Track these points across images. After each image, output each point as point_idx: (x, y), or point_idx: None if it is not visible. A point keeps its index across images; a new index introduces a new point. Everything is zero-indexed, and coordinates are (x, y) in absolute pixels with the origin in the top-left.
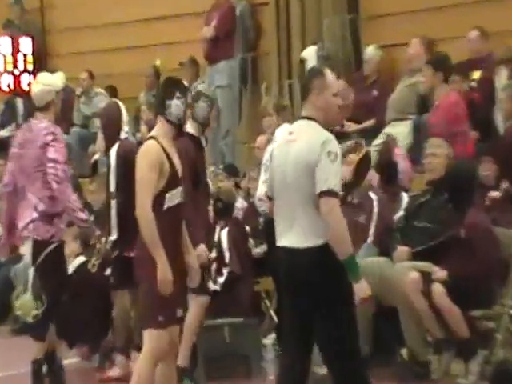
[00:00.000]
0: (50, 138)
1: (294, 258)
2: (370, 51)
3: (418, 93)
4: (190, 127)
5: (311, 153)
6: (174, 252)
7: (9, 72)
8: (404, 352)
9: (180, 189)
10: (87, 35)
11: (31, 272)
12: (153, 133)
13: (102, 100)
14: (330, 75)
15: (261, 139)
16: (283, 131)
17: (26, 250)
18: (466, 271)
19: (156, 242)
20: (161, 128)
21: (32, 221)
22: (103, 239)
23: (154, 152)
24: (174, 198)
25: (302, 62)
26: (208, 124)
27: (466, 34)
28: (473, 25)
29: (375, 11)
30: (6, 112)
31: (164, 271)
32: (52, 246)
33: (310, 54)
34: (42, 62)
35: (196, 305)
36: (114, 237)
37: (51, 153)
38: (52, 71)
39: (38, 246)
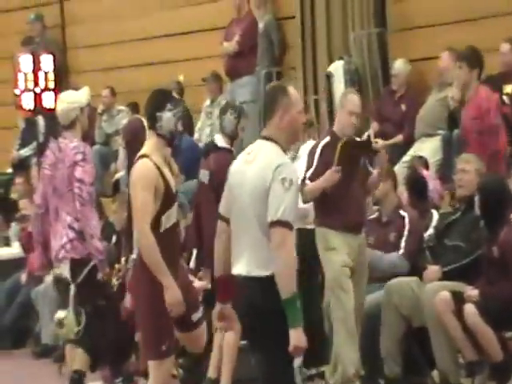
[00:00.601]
0: (79, 157)
1: (242, 287)
2: (399, 65)
3: (449, 107)
4: (221, 141)
5: (264, 177)
6: (175, 272)
7: (30, 90)
8: (435, 374)
9: (175, 206)
10: (109, 52)
11: (72, 290)
12: (144, 150)
13: (123, 117)
14: (293, 92)
15: (292, 153)
16: (306, 148)
17: (63, 270)
18: (499, 291)
19: (162, 268)
20: (152, 144)
21: (70, 240)
22: (123, 259)
23: (147, 172)
24: (170, 218)
25: (329, 76)
26: (236, 136)
27: (498, 47)
28: (505, 37)
29: (403, 25)
30: (27, 131)
31: (174, 294)
32: (91, 264)
33: (337, 69)
34: (63, 79)
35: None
36: (135, 256)
37: (78, 173)
38: (73, 88)
39: (77, 264)
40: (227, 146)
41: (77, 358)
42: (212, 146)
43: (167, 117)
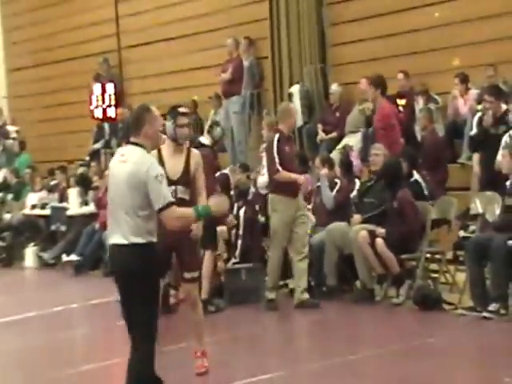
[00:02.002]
0: None
1: (119, 253)
2: (334, 87)
3: (366, 114)
4: (204, 140)
5: (138, 175)
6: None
7: (99, 106)
8: (358, 283)
9: (171, 188)
10: (150, 81)
11: None
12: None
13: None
14: (155, 110)
15: (262, 147)
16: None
17: None
18: (398, 230)
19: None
20: (165, 142)
21: None
22: None
23: None
24: None
25: (290, 95)
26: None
27: (395, 76)
28: (399, 70)
29: (337, 61)
30: (98, 132)
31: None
32: None
33: (295, 90)
34: (120, 99)
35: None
36: None
37: None
38: (127, 106)
39: None
40: (208, 143)
41: None
42: (198, 143)
43: (168, 125)
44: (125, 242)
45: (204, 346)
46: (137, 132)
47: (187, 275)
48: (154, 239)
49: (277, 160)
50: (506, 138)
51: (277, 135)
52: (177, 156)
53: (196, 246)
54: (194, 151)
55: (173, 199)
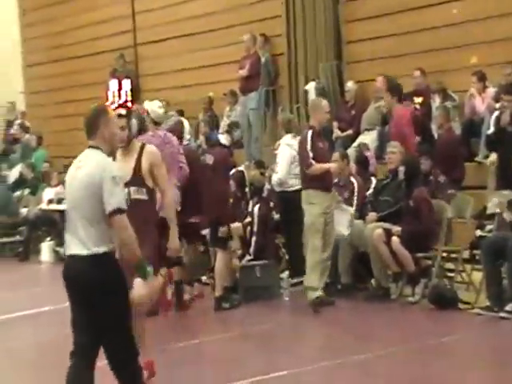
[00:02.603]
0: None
1: (75, 264)
2: (350, 85)
3: (381, 112)
4: (223, 139)
5: (94, 177)
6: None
7: (115, 102)
8: (373, 281)
9: (125, 191)
10: (166, 77)
11: None
12: None
13: (174, 119)
14: (111, 112)
15: (278, 143)
16: (284, 140)
17: None
18: (414, 228)
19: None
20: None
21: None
22: None
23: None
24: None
25: (306, 92)
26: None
27: (412, 73)
28: (416, 67)
29: (352, 58)
30: None
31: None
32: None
33: (311, 87)
34: (136, 95)
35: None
36: (177, 209)
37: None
38: (142, 101)
39: None
40: (227, 143)
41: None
42: (217, 142)
43: (133, 122)
44: (85, 252)
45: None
46: (93, 135)
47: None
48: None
49: (310, 155)
50: None
51: (310, 131)
52: (127, 157)
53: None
54: (148, 148)
55: (124, 206)
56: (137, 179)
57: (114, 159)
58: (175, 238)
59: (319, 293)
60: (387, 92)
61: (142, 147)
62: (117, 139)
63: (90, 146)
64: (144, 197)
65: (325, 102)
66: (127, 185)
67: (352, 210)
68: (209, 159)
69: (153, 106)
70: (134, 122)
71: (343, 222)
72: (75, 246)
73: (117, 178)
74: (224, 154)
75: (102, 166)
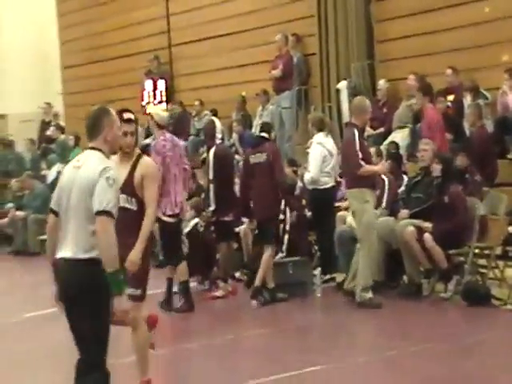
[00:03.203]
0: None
1: (71, 266)
2: (382, 83)
3: (413, 110)
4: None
5: (92, 177)
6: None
7: (151, 102)
8: (405, 278)
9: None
10: (199, 78)
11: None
12: None
13: (208, 119)
14: (113, 113)
15: (310, 142)
16: (317, 137)
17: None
18: (447, 225)
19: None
20: None
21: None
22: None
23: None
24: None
25: (338, 91)
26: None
27: (444, 71)
28: (448, 65)
29: (384, 57)
30: (148, 128)
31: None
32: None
33: (343, 86)
34: (170, 95)
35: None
36: (212, 208)
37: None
38: (177, 102)
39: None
40: (267, 137)
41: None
42: (260, 138)
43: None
44: (78, 256)
45: (148, 375)
46: (95, 136)
47: (128, 291)
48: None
49: (360, 155)
50: None
51: (356, 130)
52: (124, 164)
53: (145, 262)
54: (144, 161)
55: (113, 209)
56: (128, 188)
57: None
58: (138, 252)
59: (371, 293)
60: (419, 90)
61: (138, 158)
62: (120, 142)
63: (91, 147)
64: (133, 207)
65: (368, 102)
66: (120, 191)
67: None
68: (258, 157)
69: (156, 110)
70: (139, 128)
71: None
72: (67, 249)
73: (110, 180)
74: (275, 148)
75: (100, 168)
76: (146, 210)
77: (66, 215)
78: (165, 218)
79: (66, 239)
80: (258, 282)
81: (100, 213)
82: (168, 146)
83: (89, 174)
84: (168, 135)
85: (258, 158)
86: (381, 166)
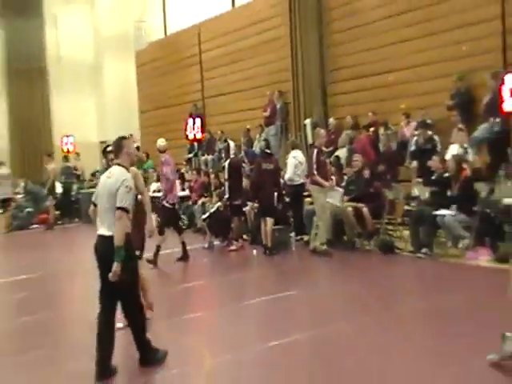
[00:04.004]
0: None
1: (103, 240)
2: (331, 120)
3: (349, 137)
4: (269, 151)
5: (115, 185)
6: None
7: (192, 132)
8: (345, 237)
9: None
10: (221, 117)
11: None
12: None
13: (226, 142)
14: (129, 139)
15: (287, 156)
16: (293, 154)
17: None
18: (372, 205)
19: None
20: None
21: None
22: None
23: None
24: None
25: (304, 125)
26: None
27: (368, 113)
28: (370, 110)
29: (333, 104)
30: (190, 147)
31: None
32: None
33: (308, 122)
34: (204, 128)
35: (269, 221)
36: (226, 196)
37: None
38: (207, 131)
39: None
40: (270, 152)
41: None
42: (267, 153)
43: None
44: (108, 233)
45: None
46: (118, 155)
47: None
48: (128, 230)
49: (315, 166)
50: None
51: (316, 150)
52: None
53: (142, 232)
54: (133, 169)
55: (128, 207)
56: None
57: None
58: (151, 222)
59: (325, 246)
60: (352, 126)
61: (135, 173)
62: (133, 158)
63: (117, 164)
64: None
65: (323, 132)
66: None
67: (341, 190)
68: (269, 165)
69: (158, 141)
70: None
71: (336, 197)
72: (102, 229)
73: (128, 187)
74: (277, 161)
75: (122, 180)
76: (143, 195)
77: (100, 207)
78: (167, 205)
79: (100, 222)
80: (269, 243)
81: (119, 208)
82: (170, 162)
83: (114, 182)
84: (167, 156)
85: (268, 165)
86: (328, 183)
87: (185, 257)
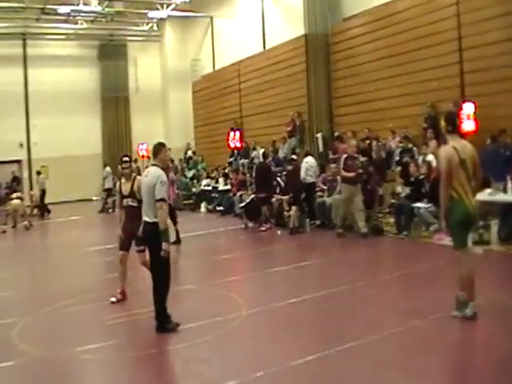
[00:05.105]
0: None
1: (147, 226)
2: (335, 135)
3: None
4: (292, 157)
5: (152, 181)
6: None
7: (232, 141)
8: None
9: (126, 200)
10: (254, 131)
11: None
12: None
13: (257, 151)
14: (165, 145)
15: (303, 161)
16: (306, 160)
17: None
18: (368, 197)
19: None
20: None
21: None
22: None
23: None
24: (128, 201)
25: (316, 138)
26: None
27: (364, 130)
28: (366, 127)
29: (338, 123)
30: (231, 153)
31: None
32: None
33: (319, 136)
34: (241, 139)
35: (294, 208)
36: (254, 189)
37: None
38: (244, 142)
39: None
40: (295, 158)
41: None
42: (291, 159)
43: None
44: (150, 220)
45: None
46: (155, 157)
47: (135, 248)
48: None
49: (342, 166)
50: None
51: (345, 155)
52: (127, 182)
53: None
54: (137, 178)
55: (166, 197)
56: (132, 194)
57: (120, 179)
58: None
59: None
60: (352, 139)
61: (134, 178)
62: (167, 161)
63: (153, 164)
64: (135, 204)
65: (353, 142)
66: (127, 197)
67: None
68: (290, 167)
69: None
70: (133, 164)
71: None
72: (145, 217)
73: (163, 182)
74: (297, 164)
75: (157, 176)
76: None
77: (143, 201)
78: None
79: (144, 212)
80: (291, 225)
81: (159, 200)
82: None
83: (150, 179)
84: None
85: (290, 167)
86: (352, 174)
87: (178, 241)
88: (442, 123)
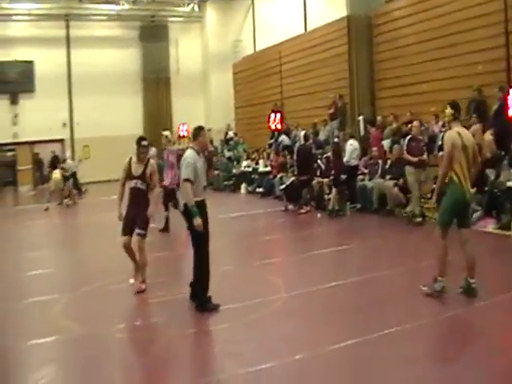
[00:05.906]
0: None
1: (184, 205)
2: (379, 118)
3: (392, 130)
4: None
5: (182, 162)
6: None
7: (273, 123)
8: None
9: (134, 181)
10: (296, 113)
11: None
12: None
13: (298, 133)
14: (204, 129)
15: (346, 143)
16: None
17: None
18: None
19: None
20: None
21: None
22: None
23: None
24: (131, 183)
25: (358, 121)
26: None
27: (407, 114)
28: (409, 110)
29: (380, 106)
30: (272, 134)
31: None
32: None
33: (361, 118)
34: (282, 120)
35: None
36: (296, 172)
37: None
38: (286, 123)
39: None
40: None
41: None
42: (334, 142)
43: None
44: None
45: (145, 276)
46: (194, 140)
47: (137, 231)
48: (199, 198)
49: (405, 148)
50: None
51: (408, 137)
52: (140, 164)
53: (147, 214)
54: (151, 162)
55: (189, 178)
56: (142, 177)
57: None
58: (154, 207)
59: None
60: (395, 122)
61: (147, 161)
62: (206, 144)
63: (190, 147)
64: (143, 187)
65: (417, 123)
66: (137, 178)
67: None
68: (330, 152)
69: (167, 134)
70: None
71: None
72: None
73: (189, 163)
74: (339, 147)
75: (184, 158)
76: (154, 187)
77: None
78: (170, 187)
79: (180, 191)
80: (331, 207)
81: (184, 180)
82: (174, 152)
83: (182, 161)
84: (172, 147)
85: (330, 152)
86: (415, 159)
87: (166, 228)
88: (449, 110)
